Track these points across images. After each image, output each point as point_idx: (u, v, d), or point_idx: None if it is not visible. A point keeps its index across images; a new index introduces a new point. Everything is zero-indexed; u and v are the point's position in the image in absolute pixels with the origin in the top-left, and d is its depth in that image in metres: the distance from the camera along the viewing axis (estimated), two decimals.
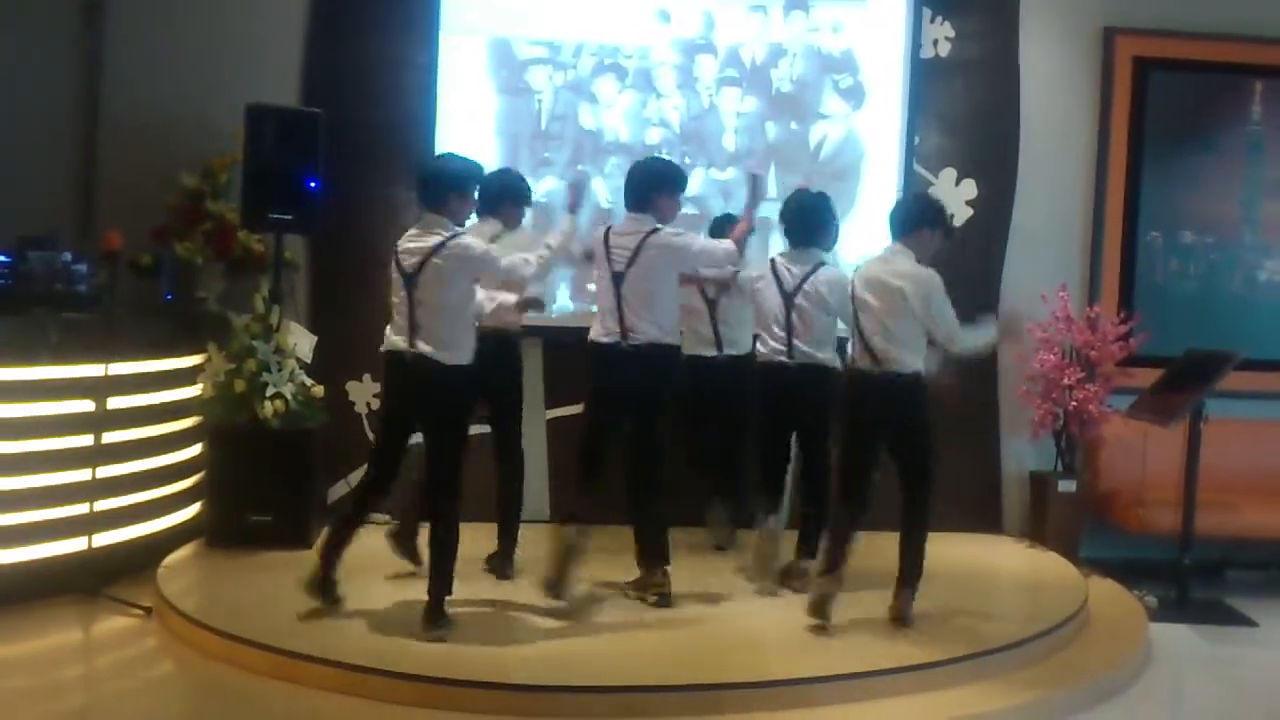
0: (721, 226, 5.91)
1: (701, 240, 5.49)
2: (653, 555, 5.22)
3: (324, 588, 4.91)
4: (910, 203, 5.42)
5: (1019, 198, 7.01)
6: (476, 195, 5.16)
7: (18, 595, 5.09)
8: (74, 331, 5.54)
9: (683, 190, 5.37)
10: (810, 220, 5.55)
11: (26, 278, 5.56)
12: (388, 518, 6.57)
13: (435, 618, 4.71)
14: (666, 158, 6.06)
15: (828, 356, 5.50)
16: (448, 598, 4.75)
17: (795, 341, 5.48)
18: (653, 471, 5.22)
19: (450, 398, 4.81)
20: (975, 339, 5.21)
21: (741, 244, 5.35)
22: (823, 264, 5.52)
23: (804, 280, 5.46)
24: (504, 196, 5.49)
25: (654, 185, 5.24)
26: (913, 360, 5.01)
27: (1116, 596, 6.00)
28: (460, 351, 4.78)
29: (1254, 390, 6.83)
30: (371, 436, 6.54)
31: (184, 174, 6.37)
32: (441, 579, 4.74)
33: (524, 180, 5.67)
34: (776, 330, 5.54)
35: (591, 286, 5.79)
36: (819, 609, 4.96)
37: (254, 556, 5.68)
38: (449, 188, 4.85)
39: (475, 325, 4.94)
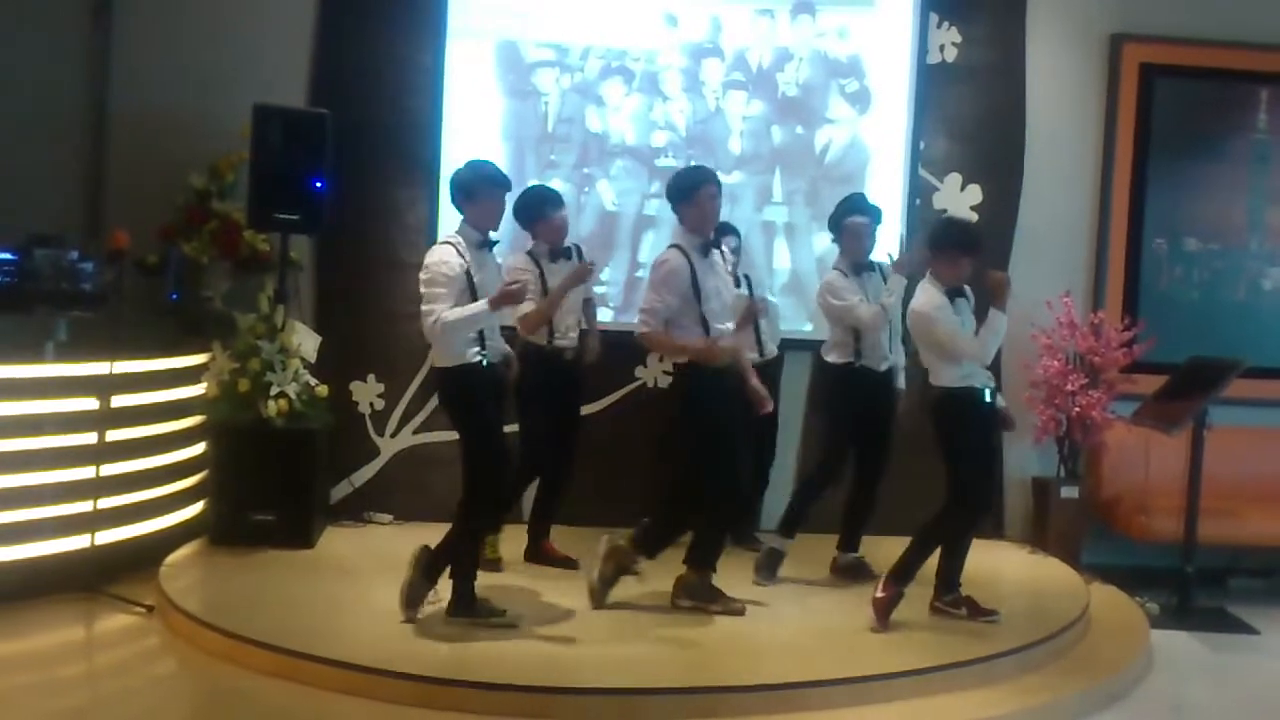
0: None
1: None
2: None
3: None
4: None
5: (1024, 203, 7.00)
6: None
7: (20, 592, 5.10)
8: (79, 330, 5.56)
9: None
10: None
11: (33, 276, 5.58)
12: (389, 517, 6.61)
13: None
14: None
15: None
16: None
17: None
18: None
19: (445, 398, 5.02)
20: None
21: None
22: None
23: None
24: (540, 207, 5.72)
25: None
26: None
27: (1118, 603, 5.99)
28: (441, 355, 4.85)
29: (1257, 398, 6.82)
30: (386, 436, 6.61)
31: (191, 174, 6.39)
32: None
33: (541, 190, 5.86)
34: None
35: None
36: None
37: (257, 555, 5.69)
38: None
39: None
